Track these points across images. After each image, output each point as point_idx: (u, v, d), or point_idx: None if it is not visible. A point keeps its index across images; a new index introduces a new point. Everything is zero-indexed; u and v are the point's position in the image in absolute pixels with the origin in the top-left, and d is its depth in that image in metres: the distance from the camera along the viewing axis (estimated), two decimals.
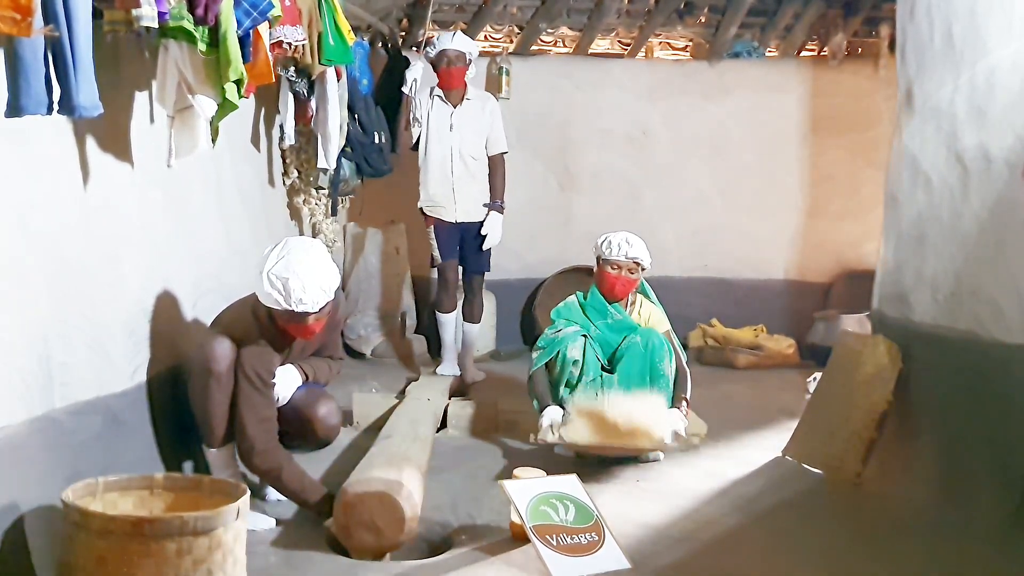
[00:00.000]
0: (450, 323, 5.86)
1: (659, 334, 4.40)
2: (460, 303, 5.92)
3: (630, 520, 3.44)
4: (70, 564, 2.45)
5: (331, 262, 3.42)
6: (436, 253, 5.73)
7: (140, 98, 3.51)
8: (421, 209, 5.74)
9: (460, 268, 5.84)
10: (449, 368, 5.81)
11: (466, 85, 5.70)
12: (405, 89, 5.68)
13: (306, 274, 3.25)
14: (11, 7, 2.19)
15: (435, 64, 5.63)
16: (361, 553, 3.08)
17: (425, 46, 5.95)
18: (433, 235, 5.72)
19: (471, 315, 5.90)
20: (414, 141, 5.74)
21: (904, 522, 3.55)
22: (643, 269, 4.51)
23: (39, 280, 2.82)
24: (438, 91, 5.69)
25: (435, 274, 5.98)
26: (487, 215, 5.67)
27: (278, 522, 3.36)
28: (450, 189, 5.65)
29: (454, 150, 5.64)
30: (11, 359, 2.63)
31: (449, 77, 5.61)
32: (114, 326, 3.25)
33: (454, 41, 5.59)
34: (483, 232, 5.66)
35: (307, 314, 3.32)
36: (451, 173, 5.64)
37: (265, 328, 3.44)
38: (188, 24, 2.99)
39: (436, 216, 5.70)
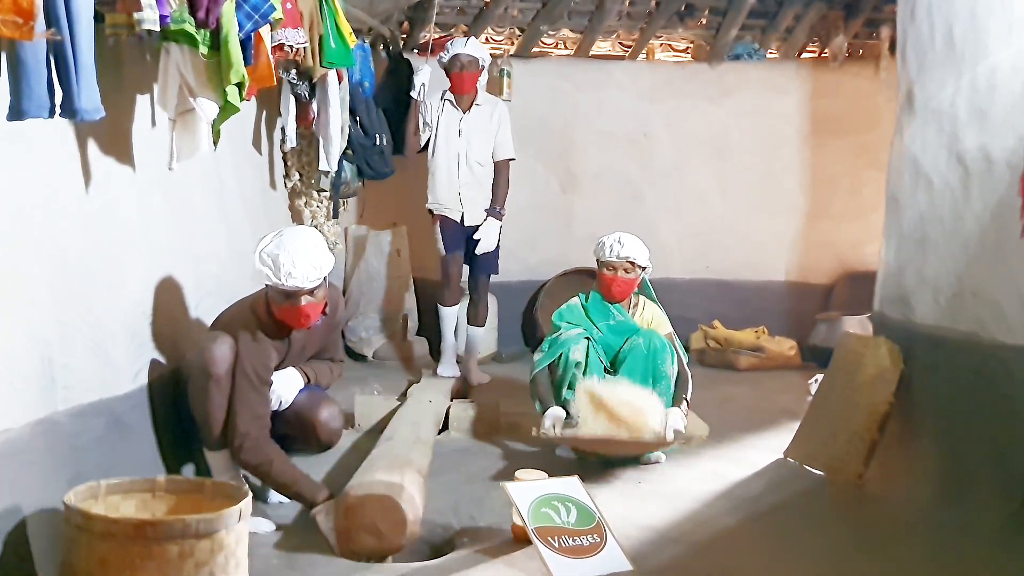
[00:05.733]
0: (451, 318, 5.86)
1: (661, 336, 4.40)
2: (464, 301, 5.92)
3: (632, 522, 3.44)
4: (72, 567, 2.45)
5: (325, 246, 3.42)
6: (441, 246, 5.74)
7: (142, 101, 3.51)
8: (429, 209, 5.76)
9: (467, 268, 5.84)
10: (449, 369, 5.81)
11: (477, 91, 5.72)
12: (414, 94, 5.69)
13: (296, 251, 3.27)
14: (13, 11, 2.20)
15: (447, 68, 5.65)
16: (362, 557, 3.08)
17: (431, 50, 5.96)
18: (439, 230, 5.73)
19: (476, 318, 5.90)
20: (422, 145, 5.76)
21: (906, 523, 3.55)
22: (642, 268, 4.51)
23: (41, 283, 2.82)
24: (449, 95, 5.70)
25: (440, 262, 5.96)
26: (484, 220, 5.68)
27: (279, 525, 3.36)
28: (457, 194, 5.67)
29: (462, 155, 5.66)
30: (13, 362, 2.64)
31: (461, 82, 5.63)
32: (116, 328, 3.26)
33: (467, 46, 5.61)
34: (476, 237, 5.67)
35: (299, 293, 3.32)
36: (458, 178, 5.66)
37: (264, 325, 3.44)
38: (190, 27, 3.00)
39: (444, 215, 5.72)
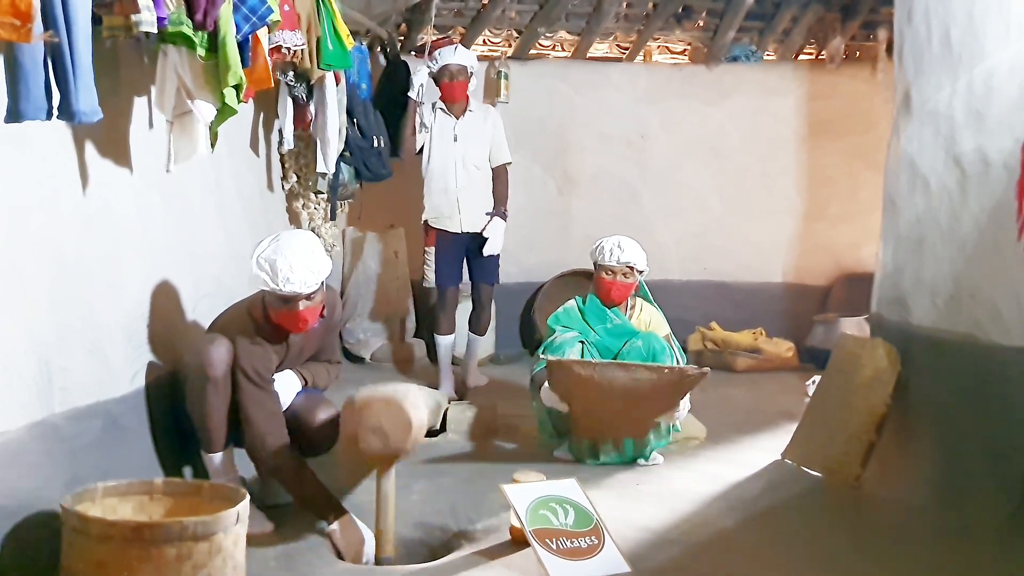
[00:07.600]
0: (448, 346, 5.84)
1: (660, 338, 4.40)
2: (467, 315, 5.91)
3: (630, 523, 3.44)
4: (70, 569, 2.45)
5: (322, 250, 3.41)
6: (430, 275, 5.71)
7: (139, 103, 3.51)
8: (426, 222, 5.73)
9: (468, 276, 5.83)
10: (447, 392, 5.77)
11: (468, 98, 5.73)
12: (412, 94, 5.69)
13: (294, 256, 3.27)
14: (11, 13, 2.20)
15: (437, 78, 5.65)
16: (370, 459, 3.17)
17: (428, 52, 5.96)
18: (433, 256, 5.71)
19: (477, 327, 5.88)
20: (419, 146, 5.75)
21: (903, 524, 3.55)
22: (640, 272, 4.51)
23: (39, 285, 2.82)
24: (440, 104, 5.70)
25: (434, 289, 5.92)
26: (489, 221, 5.67)
27: (277, 526, 3.36)
28: (454, 199, 5.65)
29: (458, 161, 5.65)
30: (11, 364, 2.63)
31: (452, 91, 5.63)
32: (113, 330, 3.26)
33: (456, 56, 5.60)
34: (484, 235, 5.65)
35: (296, 299, 3.32)
36: (455, 184, 5.65)
37: (261, 328, 3.44)
38: (187, 29, 2.99)
39: (441, 227, 5.68)
